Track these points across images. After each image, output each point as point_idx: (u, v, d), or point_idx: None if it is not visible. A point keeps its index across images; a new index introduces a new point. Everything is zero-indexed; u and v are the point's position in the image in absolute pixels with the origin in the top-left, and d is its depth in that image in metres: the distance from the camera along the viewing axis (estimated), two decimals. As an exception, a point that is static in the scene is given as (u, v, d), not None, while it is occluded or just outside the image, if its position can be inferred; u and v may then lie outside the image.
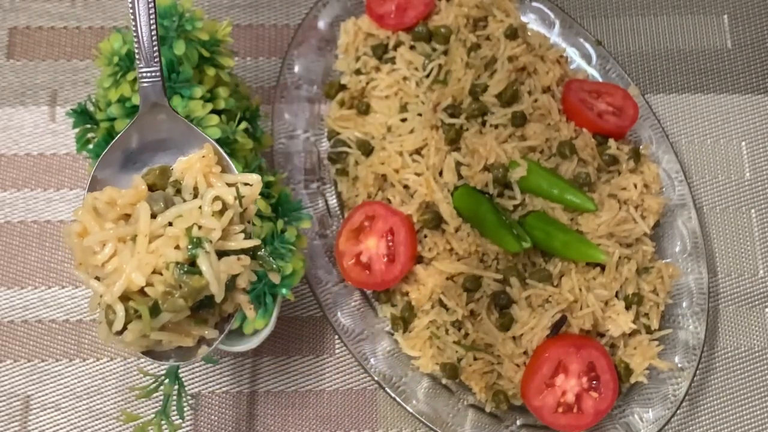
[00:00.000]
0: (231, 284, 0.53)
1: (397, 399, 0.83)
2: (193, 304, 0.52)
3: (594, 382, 0.82)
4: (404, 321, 0.87)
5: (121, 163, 0.58)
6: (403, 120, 0.92)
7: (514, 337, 0.86)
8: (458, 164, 0.89)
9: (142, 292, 0.51)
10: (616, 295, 0.87)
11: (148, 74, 0.57)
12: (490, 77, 0.93)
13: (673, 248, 0.92)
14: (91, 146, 0.81)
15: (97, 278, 0.52)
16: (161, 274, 0.51)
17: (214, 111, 0.76)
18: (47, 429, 0.85)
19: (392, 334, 0.88)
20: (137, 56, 0.56)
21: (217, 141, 0.73)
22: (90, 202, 0.54)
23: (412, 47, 0.96)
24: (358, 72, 0.96)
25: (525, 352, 0.85)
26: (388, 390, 0.83)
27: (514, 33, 0.95)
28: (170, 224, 0.52)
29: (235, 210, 0.54)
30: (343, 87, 0.96)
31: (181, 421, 0.77)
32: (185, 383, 0.84)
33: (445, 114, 0.91)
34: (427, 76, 0.94)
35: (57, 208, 0.94)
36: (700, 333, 0.87)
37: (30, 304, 0.90)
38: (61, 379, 0.87)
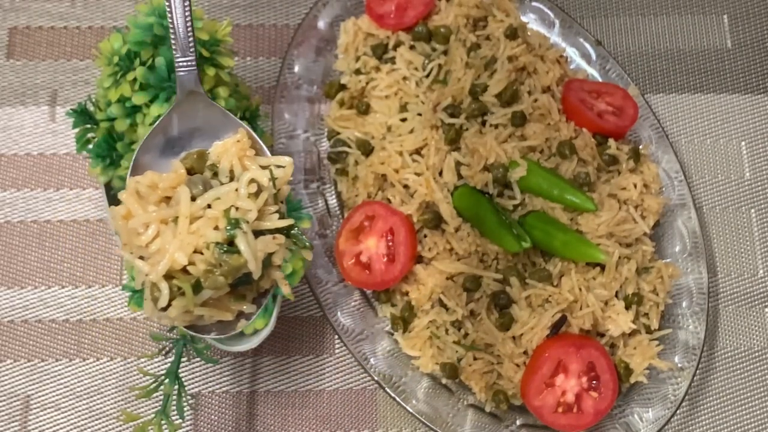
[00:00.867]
0: (267, 262, 0.56)
1: (397, 399, 0.83)
2: (232, 281, 0.55)
3: (594, 381, 0.82)
4: (404, 321, 0.87)
5: (161, 149, 0.60)
6: (403, 120, 0.92)
7: (514, 337, 0.86)
8: (458, 164, 0.89)
9: (184, 270, 0.54)
10: (616, 295, 0.87)
11: (185, 63, 0.60)
12: (490, 77, 0.93)
13: (673, 248, 0.92)
14: (91, 146, 0.81)
15: (141, 258, 0.55)
16: (202, 253, 0.54)
17: (214, 111, 0.76)
18: (47, 429, 0.86)
19: (392, 334, 0.88)
20: (174, 47, 0.59)
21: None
22: (133, 185, 0.56)
23: (412, 47, 0.96)
24: (358, 72, 0.96)
25: (525, 352, 0.85)
26: (388, 390, 0.83)
27: (514, 33, 0.95)
28: (209, 206, 0.55)
29: (270, 191, 0.56)
30: (343, 87, 0.96)
31: (181, 421, 0.77)
32: (185, 383, 0.84)
33: (445, 114, 0.91)
34: (427, 76, 0.94)
35: (57, 208, 0.94)
36: (700, 333, 0.88)
37: (30, 304, 0.90)
38: (61, 379, 0.87)
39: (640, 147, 0.95)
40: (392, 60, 0.96)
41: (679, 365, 0.87)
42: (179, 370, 0.77)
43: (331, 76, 0.98)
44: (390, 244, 0.85)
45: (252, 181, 0.56)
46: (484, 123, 0.91)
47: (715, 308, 0.95)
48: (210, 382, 0.88)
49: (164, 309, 0.54)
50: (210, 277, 0.54)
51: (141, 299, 0.75)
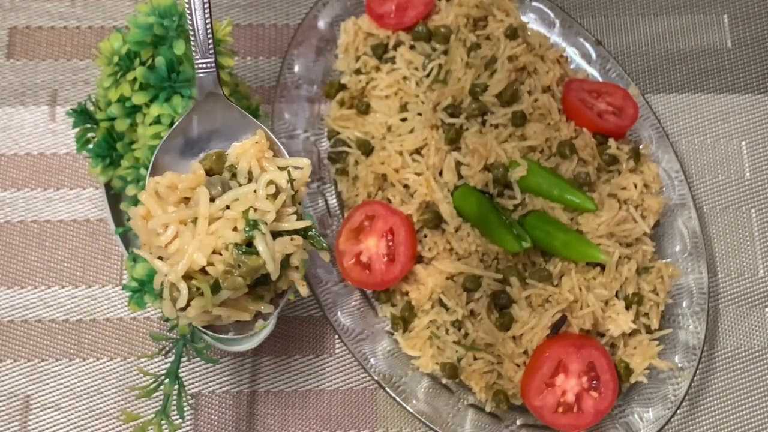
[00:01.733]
0: (285, 263, 0.56)
1: (397, 399, 0.83)
2: (250, 281, 0.55)
3: (594, 381, 0.82)
4: (404, 321, 0.87)
5: (181, 149, 0.61)
6: (403, 120, 0.92)
7: (514, 337, 0.86)
8: (458, 164, 0.89)
9: (203, 271, 0.54)
10: (616, 295, 0.87)
11: (204, 65, 0.60)
12: (490, 77, 0.93)
13: (673, 248, 0.92)
14: (91, 146, 0.81)
15: (160, 258, 0.55)
16: (221, 254, 0.54)
17: (214, 111, 0.76)
18: (47, 429, 0.85)
19: (392, 334, 0.88)
20: (193, 49, 0.59)
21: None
22: (152, 186, 0.57)
23: (412, 47, 0.96)
24: (358, 72, 0.96)
25: (525, 352, 0.85)
26: (388, 390, 0.83)
27: (514, 33, 0.95)
28: (228, 207, 0.55)
29: (288, 193, 0.57)
30: (343, 87, 0.96)
31: (181, 420, 0.77)
32: (185, 383, 0.84)
33: (445, 114, 0.91)
34: (427, 75, 0.94)
35: (57, 208, 0.94)
36: (700, 333, 0.87)
37: (30, 304, 0.90)
38: (61, 378, 0.87)
39: (641, 147, 0.95)
40: (392, 60, 0.96)
41: (680, 365, 0.86)
42: (179, 370, 0.77)
43: (331, 76, 0.98)
44: (390, 244, 0.85)
45: (270, 182, 0.56)
46: (484, 123, 0.91)
47: (716, 308, 0.95)
48: (210, 382, 0.88)
49: (183, 309, 0.55)
50: (228, 278, 0.54)
51: (141, 299, 0.75)
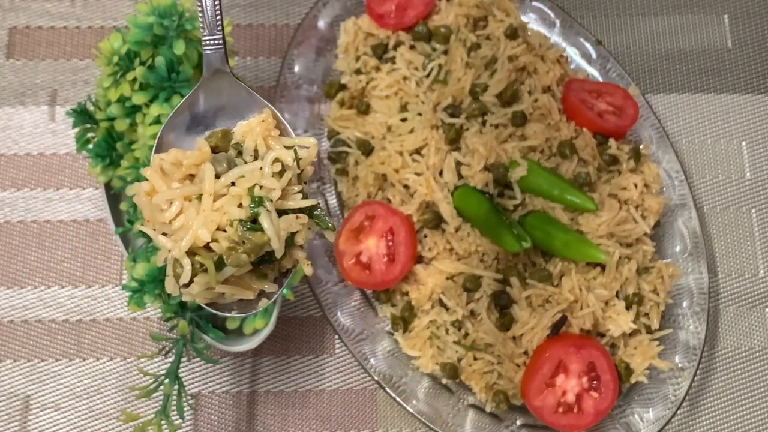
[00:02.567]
0: (290, 241, 0.56)
1: (397, 399, 0.83)
2: (254, 258, 0.55)
3: (594, 382, 0.82)
4: (404, 321, 0.87)
5: (186, 126, 0.60)
6: (403, 120, 0.92)
7: (514, 337, 0.86)
8: (458, 164, 0.89)
9: (207, 247, 0.54)
10: (617, 295, 0.87)
11: (212, 42, 0.60)
12: (490, 77, 0.93)
13: (674, 248, 0.92)
14: (90, 146, 0.81)
15: (164, 234, 0.55)
16: (225, 230, 0.54)
17: (214, 111, 0.76)
18: (47, 429, 0.85)
19: (392, 334, 0.88)
20: (201, 25, 0.59)
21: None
22: (157, 162, 0.56)
23: (412, 47, 0.96)
24: (358, 72, 0.96)
25: (525, 352, 0.85)
26: (388, 390, 0.83)
27: (514, 33, 0.95)
28: (233, 184, 0.55)
29: (293, 171, 0.56)
30: (343, 87, 0.96)
31: (181, 421, 0.77)
32: (185, 383, 0.84)
33: (445, 114, 0.91)
34: (427, 75, 0.94)
35: (57, 208, 0.93)
36: (701, 333, 0.87)
37: (30, 304, 0.90)
38: (61, 379, 0.87)
39: (641, 147, 0.95)
40: (392, 60, 0.95)
41: (680, 365, 0.86)
42: (179, 370, 0.77)
43: (331, 76, 0.98)
44: (390, 244, 0.85)
45: (276, 160, 0.56)
46: (484, 123, 0.91)
47: (716, 308, 0.95)
48: (210, 382, 0.88)
49: (186, 286, 0.54)
50: (233, 255, 0.54)
51: (141, 299, 0.75)
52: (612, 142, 0.93)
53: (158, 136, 0.60)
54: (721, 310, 0.95)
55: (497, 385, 0.85)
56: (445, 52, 0.95)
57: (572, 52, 1.00)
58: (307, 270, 0.58)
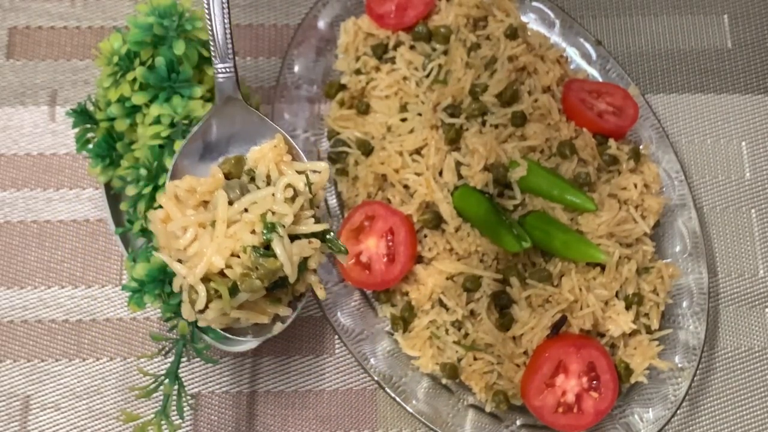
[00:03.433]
0: (303, 265, 0.57)
1: (397, 399, 0.83)
2: (268, 284, 0.55)
3: (594, 382, 0.82)
4: (404, 321, 0.87)
5: (200, 153, 0.61)
6: (403, 120, 0.92)
7: (514, 337, 0.86)
8: (458, 164, 0.89)
9: (221, 273, 0.55)
10: (616, 295, 0.87)
11: (224, 70, 0.61)
12: (490, 77, 0.93)
13: (673, 248, 0.92)
14: (90, 146, 0.81)
15: (179, 261, 0.56)
16: (239, 257, 0.55)
17: (214, 111, 0.76)
18: (47, 429, 0.85)
19: (392, 334, 0.88)
20: (213, 54, 0.61)
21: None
22: (172, 189, 0.57)
23: (412, 47, 0.96)
24: (358, 72, 0.96)
25: (525, 352, 0.85)
26: (388, 390, 0.83)
27: (514, 33, 0.95)
28: (246, 210, 0.56)
29: (306, 196, 0.57)
30: (343, 87, 0.96)
31: (181, 421, 0.77)
32: (185, 383, 0.84)
33: (445, 114, 0.91)
34: (427, 76, 0.94)
35: (57, 208, 0.93)
36: (700, 333, 0.87)
37: (30, 304, 0.90)
38: (61, 379, 0.87)
39: (641, 147, 0.95)
40: (392, 60, 0.95)
41: (680, 365, 0.86)
42: (179, 370, 0.77)
43: (331, 76, 0.98)
44: (390, 244, 0.85)
45: (288, 185, 0.57)
46: (484, 123, 0.91)
47: (716, 308, 0.95)
48: (210, 382, 0.88)
49: (201, 311, 0.55)
50: (246, 281, 0.54)
51: (141, 299, 0.75)
52: (612, 142, 0.93)
53: (173, 163, 0.60)
54: (721, 310, 0.95)
55: (497, 385, 0.85)
56: (445, 52, 0.95)
57: (572, 52, 1.00)
58: (320, 293, 0.59)
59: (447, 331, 0.85)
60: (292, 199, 0.56)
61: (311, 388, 0.89)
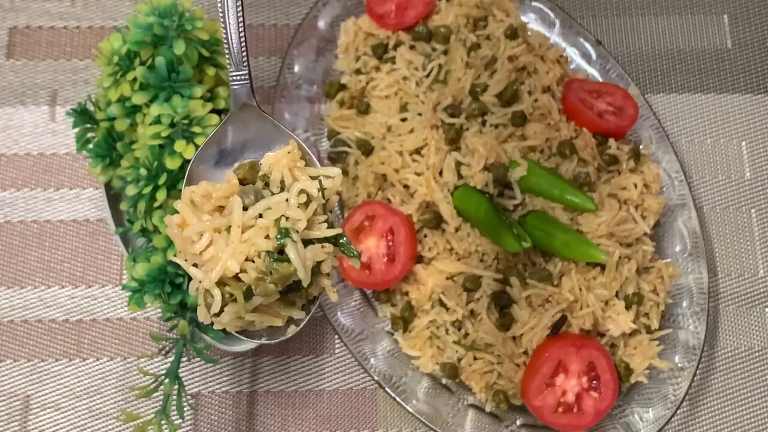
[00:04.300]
0: (316, 269, 0.58)
1: (397, 399, 0.83)
2: (282, 288, 0.56)
3: (594, 381, 0.82)
4: (404, 321, 0.87)
5: (215, 159, 0.63)
6: (403, 120, 0.92)
7: (514, 337, 0.86)
8: (458, 164, 0.89)
9: (236, 277, 0.56)
10: (616, 295, 0.87)
11: (239, 77, 0.63)
12: (490, 77, 0.93)
13: (673, 248, 0.92)
14: (91, 146, 0.81)
15: (195, 265, 0.57)
16: (253, 261, 0.56)
17: (214, 110, 0.76)
18: (47, 429, 0.85)
19: (392, 334, 0.88)
20: (228, 61, 0.62)
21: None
22: (188, 195, 0.59)
23: (412, 47, 0.96)
24: (358, 72, 0.96)
25: (525, 352, 0.85)
26: (388, 390, 0.83)
27: (514, 33, 0.95)
28: (260, 216, 0.57)
29: (319, 201, 0.58)
30: (343, 87, 0.96)
31: (181, 420, 0.77)
32: (185, 383, 0.84)
33: (445, 114, 0.91)
34: (427, 75, 0.94)
35: (57, 208, 0.94)
36: (700, 333, 0.87)
37: (30, 304, 0.90)
38: (61, 379, 0.87)
39: (641, 147, 0.95)
40: (392, 60, 0.96)
41: (680, 365, 0.86)
42: (179, 370, 0.77)
43: (331, 76, 0.98)
44: (390, 244, 0.85)
45: (302, 191, 0.58)
46: (484, 123, 0.91)
47: (716, 308, 0.95)
48: (210, 382, 0.88)
49: (217, 315, 0.56)
50: (261, 285, 0.55)
51: (141, 299, 0.75)
52: (612, 142, 0.93)
53: (188, 169, 0.62)
54: (721, 310, 0.95)
55: (497, 385, 0.85)
56: (445, 52, 0.95)
57: (572, 52, 1.00)
58: (333, 297, 0.60)
59: (447, 331, 0.85)
60: (306, 204, 0.58)
61: (311, 388, 0.89)
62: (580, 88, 0.94)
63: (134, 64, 0.75)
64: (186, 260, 0.58)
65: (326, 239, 0.58)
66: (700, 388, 0.92)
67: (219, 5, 0.61)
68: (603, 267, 0.87)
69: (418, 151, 0.90)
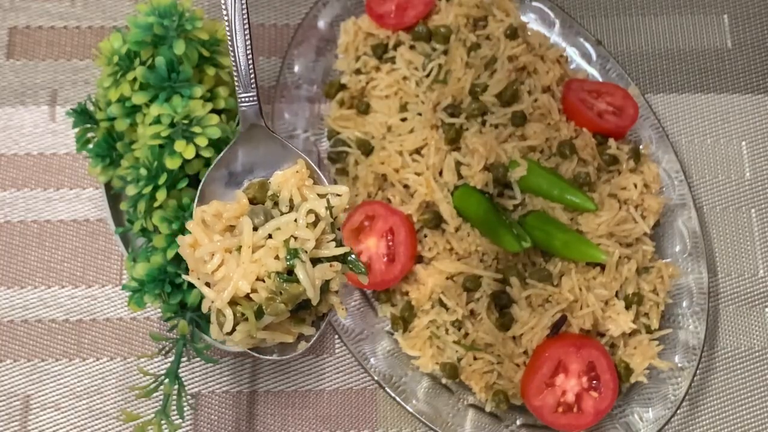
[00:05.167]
0: (325, 287, 0.59)
1: (397, 399, 0.83)
2: (292, 307, 0.58)
3: (594, 381, 0.82)
4: (404, 321, 0.87)
5: (225, 178, 0.64)
6: (403, 120, 0.92)
7: (514, 337, 0.86)
8: (458, 164, 0.89)
9: (247, 297, 0.57)
10: (616, 295, 0.87)
11: (247, 99, 0.64)
12: (490, 77, 0.93)
13: (673, 248, 0.92)
14: (91, 146, 0.81)
15: (207, 284, 0.58)
16: (264, 281, 0.57)
17: (214, 110, 0.76)
18: (47, 429, 0.85)
19: (392, 334, 0.88)
20: (236, 83, 0.63)
21: (217, 140, 0.73)
22: (199, 215, 0.60)
23: (412, 47, 0.96)
24: (358, 72, 0.96)
25: (525, 352, 0.85)
26: (388, 390, 0.83)
27: (514, 33, 0.95)
28: (270, 236, 0.58)
29: (327, 220, 0.59)
30: (343, 87, 0.96)
31: (181, 420, 0.77)
32: (185, 383, 0.84)
33: (445, 114, 0.91)
34: (427, 75, 0.94)
35: (57, 208, 0.94)
36: (700, 333, 0.87)
37: (30, 304, 0.90)
38: (61, 378, 0.87)
39: (641, 147, 0.95)
40: (392, 60, 0.96)
41: (680, 365, 0.86)
42: (179, 370, 0.77)
43: (331, 76, 0.98)
44: (390, 244, 0.85)
45: (310, 211, 0.59)
46: (484, 123, 0.91)
47: (716, 308, 0.95)
48: (210, 382, 0.88)
49: (229, 333, 0.57)
50: (271, 304, 0.57)
51: (141, 299, 0.75)
52: (612, 142, 0.93)
53: (199, 188, 0.63)
54: (721, 310, 0.95)
55: (497, 385, 0.85)
56: (445, 52, 0.95)
57: (572, 52, 1.00)
58: (342, 314, 0.61)
59: (447, 330, 0.85)
60: (314, 224, 0.59)
61: (311, 388, 0.89)
62: (580, 88, 0.94)
63: (134, 64, 0.75)
64: (198, 279, 0.59)
65: (334, 258, 0.59)
66: (700, 388, 0.92)
67: (227, 28, 0.62)
68: (603, 267, 0.87)
69: (418, 151, 0.90)
